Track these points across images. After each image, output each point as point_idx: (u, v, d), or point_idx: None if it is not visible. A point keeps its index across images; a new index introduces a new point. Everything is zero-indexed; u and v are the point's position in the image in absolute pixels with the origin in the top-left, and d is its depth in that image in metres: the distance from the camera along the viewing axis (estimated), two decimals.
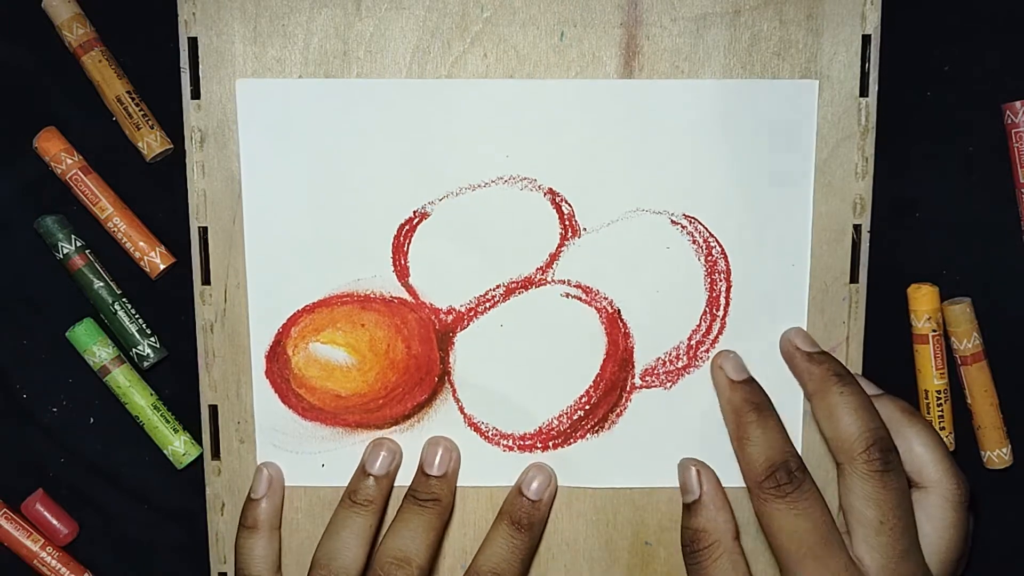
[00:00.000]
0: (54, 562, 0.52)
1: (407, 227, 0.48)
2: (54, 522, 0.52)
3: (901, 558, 0.40)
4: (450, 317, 0.49)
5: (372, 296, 0.49)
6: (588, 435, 0.50)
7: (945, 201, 0.51)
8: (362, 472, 0.48)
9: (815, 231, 0.48)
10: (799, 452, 0.45)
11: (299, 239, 0.48)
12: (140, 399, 0.51)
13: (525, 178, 0.48)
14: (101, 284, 0.50)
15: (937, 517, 0.42)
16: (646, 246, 0.48)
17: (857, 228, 0.48)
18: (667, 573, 0.50)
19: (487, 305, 0.49)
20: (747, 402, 0.45)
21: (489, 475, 0.50)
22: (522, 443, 0.50)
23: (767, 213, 0.48)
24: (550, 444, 0.50)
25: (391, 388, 0.49)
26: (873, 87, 0.47)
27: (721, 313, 0.49)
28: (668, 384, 0.49)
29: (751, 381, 0.46)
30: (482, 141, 0.48)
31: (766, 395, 0.46)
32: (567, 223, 0.48)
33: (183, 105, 0.47)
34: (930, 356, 0.51)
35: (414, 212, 0.48)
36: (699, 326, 0.49)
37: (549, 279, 0.49)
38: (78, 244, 0.50)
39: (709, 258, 0.48)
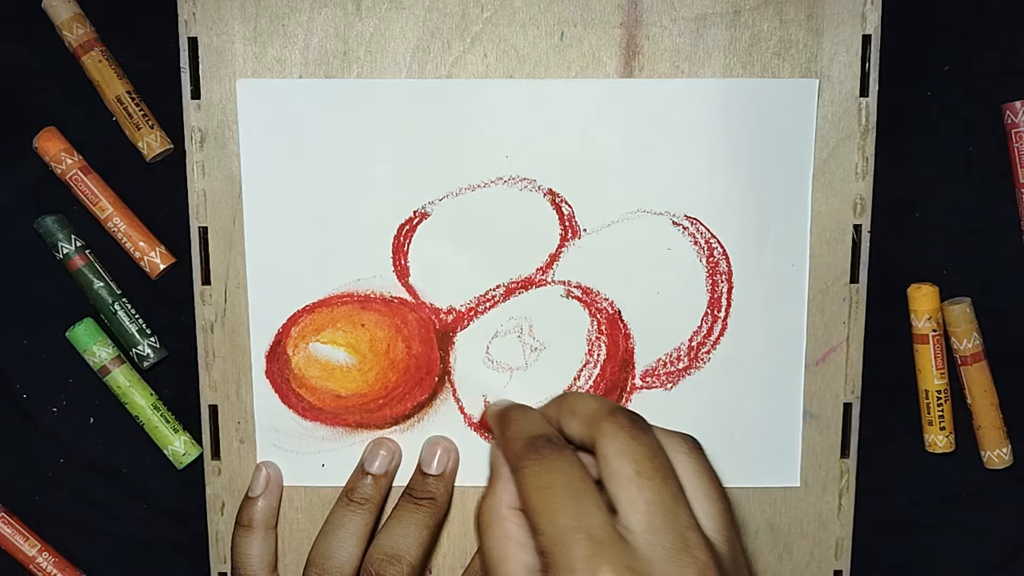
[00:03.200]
0: (51, 567, 0.52)
1: (407, 227, 0.48)
2: None
3: (666, 511, 0.36)
4: (450, 317, 0.49)
5: (372, 296, 0.49)
6: None
7: (945, 201, 0.51)
8: (360, 471, 0.49)
9: (815, 231, 0.48)
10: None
11: (299, 239, 0.48)
12: (140, 399, 0.51)
13: (525, 178, 0.48)
14: (101, 284, 0.50)
15: (683, 470, 0.38)
16: (647, 247, 0.48)
17: (857, 228, 0.48)
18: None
19: (487, 305, 0.49)
20: (507, 403, 0.44)
21: None
22: None
23: (767, 213, 0.48)
24: None
25: (391, 388, 0.49)
26: (873, 87, 0.47)
27: (723, 315, 0.49)
28: (669, 385, 0.49)
29: None
30: (482, 141, 0.48)
31: None
32: (567, 224, 0.48)
33: (183, 105, 0.47)
34: (930, 356, 0.51)
35: (414, 212, 0.48)
36: (700, 327, 0.49)
37: (549, 280, 0.49)
38: (78, 244, 0.50)
39: (711, 259, 0.48)
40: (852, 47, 0.47)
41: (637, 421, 0.38)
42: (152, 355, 0.51)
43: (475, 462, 0.50)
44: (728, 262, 0.48)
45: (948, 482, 0.53)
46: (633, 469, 0.36)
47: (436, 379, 0.49)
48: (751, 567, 0.39)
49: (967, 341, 0.50)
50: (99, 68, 0.49)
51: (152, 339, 0.51)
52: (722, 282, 0.49)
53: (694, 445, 0.39)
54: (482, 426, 0.49)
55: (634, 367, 0.49)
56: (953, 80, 0.51)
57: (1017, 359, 0.52)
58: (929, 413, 0.51)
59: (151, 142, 0.49)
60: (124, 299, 0.51)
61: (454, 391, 0.49)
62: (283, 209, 0.48)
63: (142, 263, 0.50)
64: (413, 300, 0.49)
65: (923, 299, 0.50)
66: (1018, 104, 0.49)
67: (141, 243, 0.50)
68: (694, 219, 0.48)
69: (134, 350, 0.51)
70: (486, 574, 0.39)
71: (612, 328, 0.49)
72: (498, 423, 0.42)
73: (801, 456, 0.50)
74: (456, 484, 0.50)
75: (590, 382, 0.49)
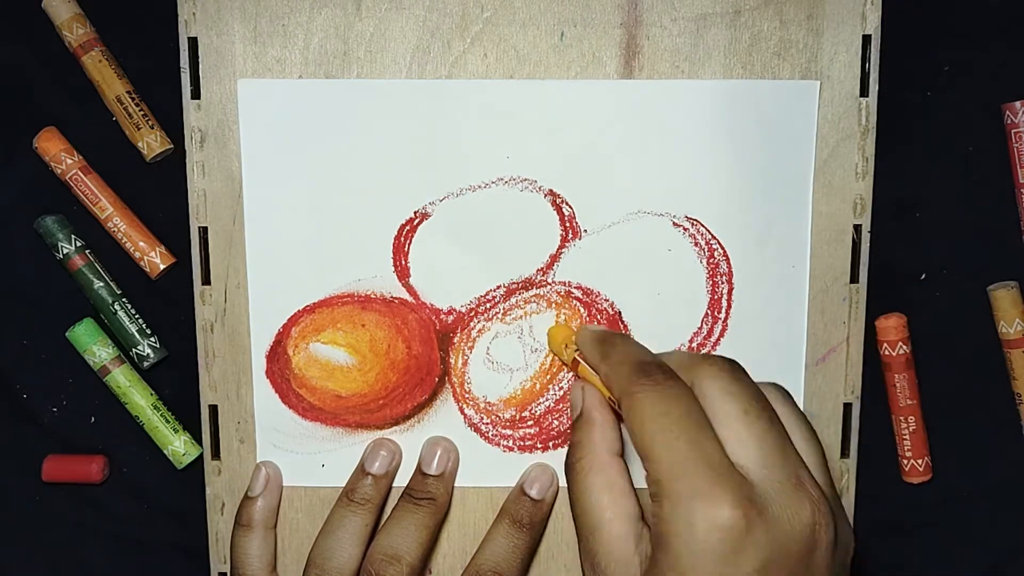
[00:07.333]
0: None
1: (408, 227, 0.48)
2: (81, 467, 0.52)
3: (778, 448, 0.36)
4: (450, 318, 0.49)
5: (372, 296, 0.49)
6: None
7: (945, 201, 0.51)
8: (361, 471, 0.49)
9: (815, 231, 0.48)
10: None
11: (299, 239, 0.48)
12: (140, 399, 0.51)
13: (525, 179, 0.48)
14: (101, 284, 0.50)
15: (781, 415, 0.38)
16: (647, 248, 0.48)
17: (857, 228, 0.48)
18: None
19: (487, 306, 0.49)
20: (604, 329, 0.43)
21: (489, 475, 0.50)
22: (522, 443, 0.50)
23: (768, 214, 0.48)
24: (550, 444, 0.50)
25: (391, 388, 0.49)
26: (873, 87, 0.47)
27: (723, 316, 0.49)
28: None
29: None
30: (482, 142, 0.48)
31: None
32: (568, 224, 0.48)
33: (183, 105, 0.47)
34: None
35: (415, 212, 0.48)
36: (700, 328, 0.49)
37: (550, 280, 0.49)
38: (78, 244, 0.50)
39: (711, 260, 0.48)
40: (852, 47, 0.47)
41: (735, 365, 0.38)
42: (152, 355, 0.51)
43: (475, 462, 0.50)
44: (728, 263, 0.48)
45: (948, 482, 0.53)
46: (740, 407, 0.36)
47: (436, 380, 0.49)
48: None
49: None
50: (99, 68, 0.49)
51: (152, 339, 0.51)
52: (722, 283, 0.49)
53: (787, 394, 0.40)
54: (552, 345, 0.48)
55: None
56: (953, 80, 0.51)
57: None
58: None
59: (151, 142, 0.49)
60: (124, 299, 0.51)
61: (454, 392, 0.49)
62: (283, 209, 0.48)
63: (142, 263, 0.50)
64: (413, 300, 0.49)
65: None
66: (1018, 104, 0.49)
67: (141, 243, 0.50)
68: (694, 220, 0.48)
69: (134, 350, 0.51)
70: (580, 526, 0.38)
71: (612, 329, 0.49)
72: (599, 347, 0.41)
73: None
74: (456, 484, 0.50)
75: None
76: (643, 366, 0.38)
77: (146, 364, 0.51)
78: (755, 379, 0.39)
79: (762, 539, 0.34)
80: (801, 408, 0.41)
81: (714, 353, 0.39)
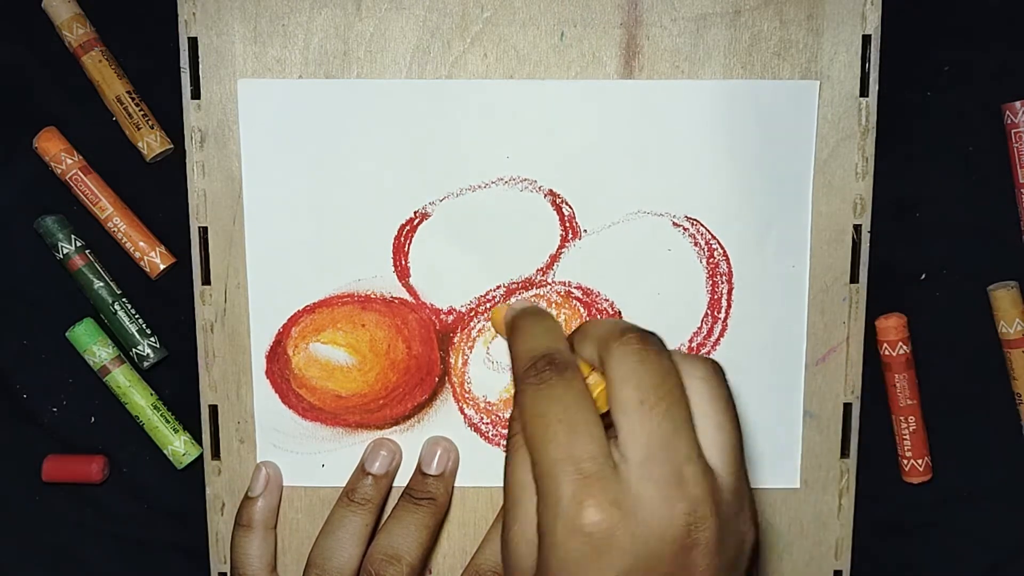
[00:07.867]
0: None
1: (408, 227, 0.48)
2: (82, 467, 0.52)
3: (665, 443, 0.34)
4: (451, 318, 0.49)
5: (372, 296, 0.49)
6: None
7: (945, 201, 0.51)
8: (361, 471, 0.49)
9: (815, 231, 0.48)
10: (742, 437, 0.38)
11: (299, 239, 0.48)
12: (140, 399, 0.51)
13: (525, 179, 0.48)
14: (101, 284, 0.50)
15: (696, 397, 0.36)
16: (647, 248, 0.48)
17: (857, 228, 0.48)
18: None
19: (488, 306, 0.49)
20: (523, 308, 0.42)
21: (489, 475, 0.50)
22: None
23: (767, 214, 0.48)
24: None
25: (391, 388, 0.49)
26: (873, 87, 0.47)
27: (723, 316, 0.49)
28: None
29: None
30: (482, 142, 0.48)
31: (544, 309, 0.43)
32: (568, 224, 0.48)
33: (183, 105, 0.47)
34: None
35: (415, 212, 0.48)
36: (700, 328, 0.49)
37: (550, 280, 0.49)
38: (78, 244, 0.50)
39: (711, 260, 0.48)
40: (852, 47, 0.47)
41: (649, 342, 0.36)
42: (152, 355, 0.51)
43: (475, 462, 0.50)
44: (728, 263, 0.48)
45: (948, 482, 0.53)
46: (637, 397, 0.35)
47: (436, 380, 0.49)
48: (755, 502, 0.37)
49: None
50: (99, 68, 0.49)
51: (152, 339, 0.51)
52: (722, 283, 0.49)
53: (713, 370, 0.37)
54: (495, 328, 0.47)
55: None
56: (953, 80, 0.51)
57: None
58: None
59: (151, 142, 0.49)
60: (124, 299, 0.51)
61: (454, 392, 0.49)
62: (283, 209, 0.48)
63: (142, 263, 0.50)
64: (413, 300, 0.49)
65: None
66: (1018, 104, 0.49)
67: (141, 243, 0.50)
68: (694, 220, 0.48)
69: (134, 350, 0.51)
70: (504, 497, 0.38)
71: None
72: (509, 333, 0.40)
73: (801, 456, 0.50)
74: (456, 484, 0.50)
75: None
76: (533, 361, 0.37)
77: (146, 364, 0.51)
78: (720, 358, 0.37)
79: (625, 543, 0.33)
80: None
81: (633, 325, 0.37)
